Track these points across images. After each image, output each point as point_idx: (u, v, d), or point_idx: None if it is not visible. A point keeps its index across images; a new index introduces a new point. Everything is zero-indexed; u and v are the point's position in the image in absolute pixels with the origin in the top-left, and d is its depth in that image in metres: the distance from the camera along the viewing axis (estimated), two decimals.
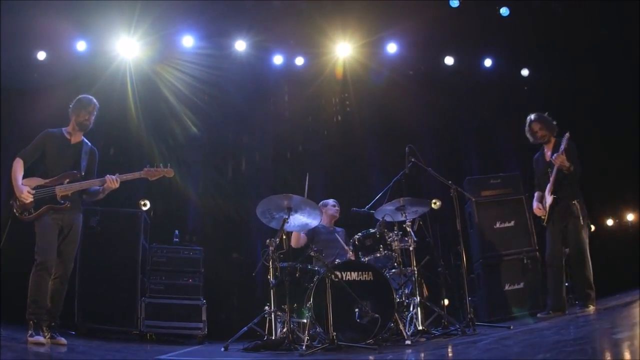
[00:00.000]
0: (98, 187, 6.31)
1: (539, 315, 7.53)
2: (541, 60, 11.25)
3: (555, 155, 7.26)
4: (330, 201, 8.64)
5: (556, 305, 7.35)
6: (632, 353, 3.30)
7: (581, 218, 7.26)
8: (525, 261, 8.96)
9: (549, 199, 7.42)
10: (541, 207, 7.56)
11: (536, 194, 7.77)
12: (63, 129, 6.42)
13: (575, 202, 7.30)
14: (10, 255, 7.54)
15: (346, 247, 7.69)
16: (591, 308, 7.01)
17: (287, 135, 11.71)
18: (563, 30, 10.53)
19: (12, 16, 9.20)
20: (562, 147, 7.24)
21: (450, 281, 9.49)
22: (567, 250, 7.48)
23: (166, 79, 10.83)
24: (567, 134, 7.33)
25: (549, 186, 7.41)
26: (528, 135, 7.78)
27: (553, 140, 7.61)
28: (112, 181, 6.22)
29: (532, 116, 7.74)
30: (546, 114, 7.73)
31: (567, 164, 7.19)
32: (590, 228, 8.01)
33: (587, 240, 7.29)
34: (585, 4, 10.04)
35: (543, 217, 7.53)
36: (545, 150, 7.68)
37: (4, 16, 9.08)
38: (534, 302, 8.69)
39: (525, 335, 5.50)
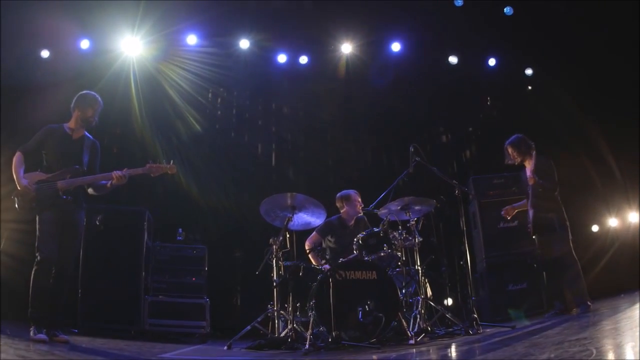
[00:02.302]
0: (105, 182, 6.27)
1: (546, 316, 7.56)
2: (545, 59, 11.22)
3: (529, 176, 7.74)
4: (353, 193, 8.27)
5: (562, 306, 7.54)
6: (636, 354, 3.29)
7: (558, 228, 7.55)
8: (528, 261, 8.98)
9: (530, 212, 7.86)
10: (510, 210, 8.22)
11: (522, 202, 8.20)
12: (64, 124, 6.37)
13: (550, 214, 7.61)
14: (12, 252, 7.55)
15: None
16: (588, 304, 7.18)
17: (291, 134, 11.69)
18: (567, 29, 10.49)
19: (16, 14, 9.20)
20: (530, 168, 7.78)
21: (454, 281, 9.49)
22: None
23: (170, 77, 10.82)
24: (534, 153, 7.82)
25: (529, 202, 7.93)
26: (505, 155, 8.15)
27: (530, 159, 7.88)
28: (121, 177, 6.18)
29: (508, 140, 8.08)
30: (521, 135, 8.02)
31: (538, 183, 7.65)
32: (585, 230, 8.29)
33: (569, 244, 7.55)
34: (589, 3, 10.00)
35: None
36: (526, 168, 7.96)
37: (8, 14, 9.07)
38: (537, 302, 8.71)
39: (529, 335, 5.49)
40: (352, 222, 8.22)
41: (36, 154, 6.19)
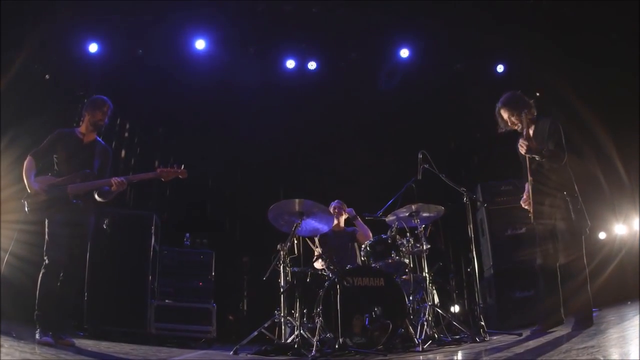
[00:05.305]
0: (107, 188, 6.28)
1: (530, 331, 6.50)
2: (554, 65, 11.18)
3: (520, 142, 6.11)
4: (333, 203, 8.55)
5: (551, 321, 6.29)
6: None
7: (572, 213, 6.01)
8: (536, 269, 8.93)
9: (527, 189, 6.38)
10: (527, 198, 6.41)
11: (526, 185, 6.49)
12: (75, 129, 6.39)
13: (560, 194, 6.07)
14: (20, 253, 7.55)
15: (355, 252, 7.62)
16: (591, 320, 6.01)
17: (300, 140, 11.70)
18: (577, 34, 10.46)
19: (23, 18, 9.21)
20: (529, 130, 6.20)
21: (461, 288, 9.48)
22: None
23: (179, 82, 10.84)
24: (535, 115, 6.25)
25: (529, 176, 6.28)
26: (500, 124, 6.64)
27: (532, 123, 6.43)
28: (119, 183, 6.17)
29: (500, 102, 6.57)
30: (519, 92, 6.56)
31: (533, 150, 6.05)
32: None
33: (581, 243, 6.04)
34: (599, 8, 9.96)
35: (529, 211, 6.33)
36: (525, 135, 6.37)
37: (14, 19, 9.09)
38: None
39: (536, 343, 5.47)
40: (339, 225, 8.44)
41: (47, 158, 6.20)
